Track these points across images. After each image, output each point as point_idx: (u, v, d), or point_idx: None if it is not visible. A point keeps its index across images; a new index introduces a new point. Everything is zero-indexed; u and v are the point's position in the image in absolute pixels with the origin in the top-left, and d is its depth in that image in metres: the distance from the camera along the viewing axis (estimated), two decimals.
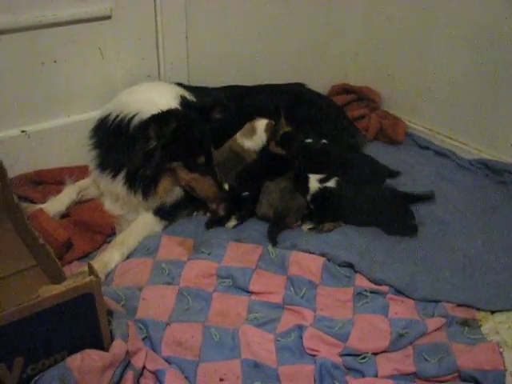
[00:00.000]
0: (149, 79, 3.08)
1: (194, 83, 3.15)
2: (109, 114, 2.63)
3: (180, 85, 2.96)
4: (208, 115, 2.64)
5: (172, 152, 2.50)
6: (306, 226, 2.74)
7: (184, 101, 2.62)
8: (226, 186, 2.71)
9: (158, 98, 2.58)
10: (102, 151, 2.66)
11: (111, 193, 2.69)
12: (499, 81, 3.16)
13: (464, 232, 2.74)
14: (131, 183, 2.54)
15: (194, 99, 2.76)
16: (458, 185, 3.15)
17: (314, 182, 2.76)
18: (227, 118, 2.81)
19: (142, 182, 2.53)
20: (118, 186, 2.58)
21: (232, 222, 2.72)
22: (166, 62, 3.10)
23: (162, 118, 2.40)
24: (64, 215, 2.72)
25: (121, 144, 2.53)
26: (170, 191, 2.64)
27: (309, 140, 2.99)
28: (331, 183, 2.75)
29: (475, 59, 3.24)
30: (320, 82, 3.70)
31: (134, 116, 2.49)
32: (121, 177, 2.55)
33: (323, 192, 2.74)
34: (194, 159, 2.56)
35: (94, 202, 2.82)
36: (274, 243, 2.59)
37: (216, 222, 2.71)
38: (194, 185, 2.62)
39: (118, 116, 2.56)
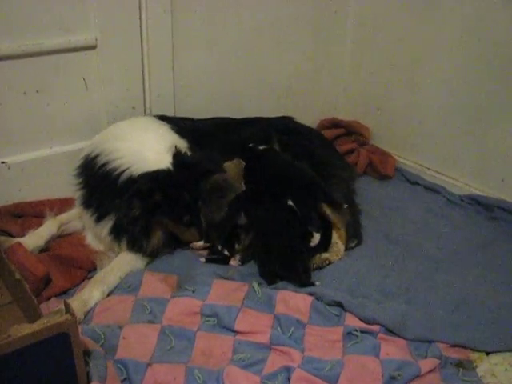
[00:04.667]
0: (135, 112, 3.04)
1: (181, 115, 3.12)
2: (97, 156, 2.62)
3: (165, 118, 2.93)
4: (200, 178, 2.59)
5: (157, 211, 2.51)
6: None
7: (177, 158, 2.58)
8: (219, 247, 2.65)
9: (149, 150, 2.58)
10: (88, 191, 2.65)
11: (94, 232, 2.66)
12: (489, 116, 3.15)
13: (456, 269, 2.69)
14: (117, 235, 2.55)
15: (188, 151, 2.71)
16: (449, 221, 3.12)
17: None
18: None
19: (129, 236, 2.53)
20: (103, 231, 2.58)
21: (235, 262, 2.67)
22: (152, 93, 3.07)
23: (145, 192, 2.44)
24: (43, 249, 2.64)
25: (108, 192, 2.54)
26: (164, 241, 2.62)
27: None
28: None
29: (465, 94, 3.23)
30: (308, 116, 3.68)
31: (124, 171, 2.51)
32: (105, 223, 2.55)
33: None
34: (180, 218, 2.58)
35: (75, 237, 2.76)
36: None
37: (216, 260, 2.65)
38: (177, 234, 2.66)
39: (106, 164, 2.56)
